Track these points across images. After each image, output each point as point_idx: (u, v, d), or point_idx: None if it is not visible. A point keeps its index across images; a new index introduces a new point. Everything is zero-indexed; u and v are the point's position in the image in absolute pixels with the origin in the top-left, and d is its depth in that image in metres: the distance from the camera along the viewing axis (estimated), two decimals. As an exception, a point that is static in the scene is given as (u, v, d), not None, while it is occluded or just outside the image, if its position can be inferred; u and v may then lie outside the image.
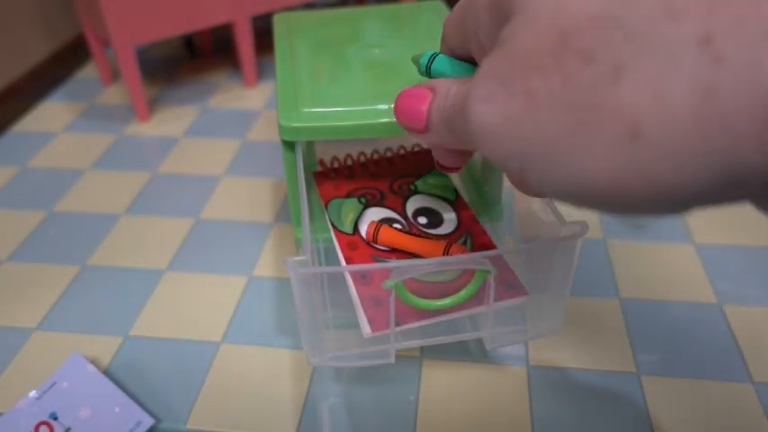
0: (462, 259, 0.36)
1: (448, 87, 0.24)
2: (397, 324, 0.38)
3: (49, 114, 0.83)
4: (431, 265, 0.35)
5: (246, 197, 0.65)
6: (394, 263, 0.35)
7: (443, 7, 0.55)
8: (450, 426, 0.42)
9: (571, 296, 0.52)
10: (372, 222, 0.44)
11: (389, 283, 0.34)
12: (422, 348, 0.48)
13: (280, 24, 0.53)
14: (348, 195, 0.48)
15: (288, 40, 0.50)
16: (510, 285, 0.40)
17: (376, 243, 0.44)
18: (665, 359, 0.47)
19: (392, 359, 0.38)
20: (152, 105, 0.84)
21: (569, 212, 0.62)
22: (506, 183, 0.50)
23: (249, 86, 0.88)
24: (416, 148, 0.56)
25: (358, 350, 0.39)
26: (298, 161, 0.41)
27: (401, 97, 0.27)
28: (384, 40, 0.49)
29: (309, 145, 0.55)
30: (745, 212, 0.61)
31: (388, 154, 0.55)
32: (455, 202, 0.47)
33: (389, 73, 0.45)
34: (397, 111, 0.27)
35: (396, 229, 0.43)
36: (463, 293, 0.37)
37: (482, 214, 0.49)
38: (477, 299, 0.39)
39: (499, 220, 0.49)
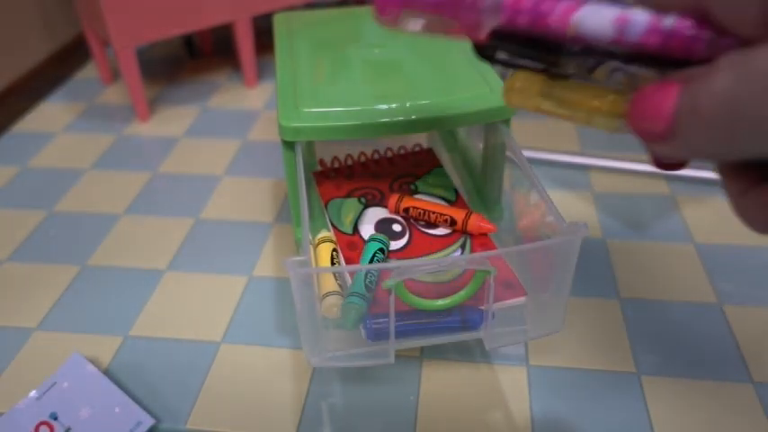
0: (462, 259, 0.37)
1: (718, 71, 0.17)
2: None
3: (49, 114, 0.83)
4: (431, 266, 0.35)
5: (246, 197, 0.65)
6: (394, 263, 0.35)
7: None
8: (450, 426, 0.42)
9: (571, 296, 0.52)
10: (395, 195, 0.45)
11: (389, 282, 0.34)
12: (422, 348, 0.48)
13: (280, 24, 0.53)
14: (348, 195, 0.48)
15: (288, 39, 0.50)
16: (509, 285, 0.40)
17: (399, 212, 0.45)
18: (665, 359, 0.47)
19: (392, 359, 0.38)
20: (152, 105, 0.84)
21: (569, 213, 0.62)
22: (506, 184, 0.50)
23: (249, 86, 0.88)
24: (417, 148, 0.56)
25: (358, 350, 0.39)
26: (298, 161, 0.41)
27: (639, 98, 0.19)
28: (384, 39, 0.49)
29: (309, 145, 0.55)
30: (745, 212, 0.61)
31: (389, 154, 0.55)
32: (455, 202, 0.47)
33: (390, 73, 0.45)
34: (631, 112, 0.20)
35: (416, 199, 0.45)
36: (463, 293, 0.37)
37: (482, 214, 0.49)
38: (476, 299, 0.39)
39: (499, 220, 0.49)
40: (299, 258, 0.33)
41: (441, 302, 0.38)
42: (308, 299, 0.35)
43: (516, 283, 0.41)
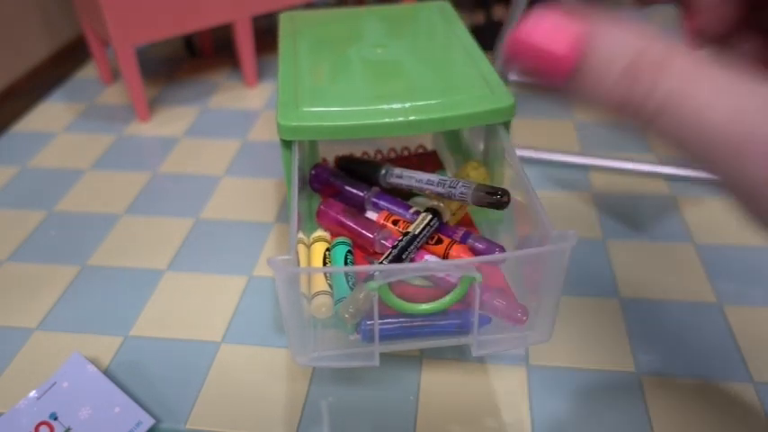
0: (448, 264, 0.36)
1: (638, 44, 0.17)
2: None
3: (49, 114, 0.83)
4: (415, 270, 0.34)
5: (246, 197, 0.65)
6: (379, 265, 0.34)
7: (448, 7, 0.55)
8: (449, 425, 0.42)
9: (571, 296, 0.52)
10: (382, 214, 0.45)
11: (373, 285, 0.34)
12: (422, 349, 0.48)
13: (285, 24, 0.53)
14: None
15: (292, 39, 0.50)
16: (498, 291, 0.40)
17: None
18: (665, 359, 0.47)
19: (376, 362, 0.37)
20: (152, 105, 0.84)
21: (569, 213, 0.62)
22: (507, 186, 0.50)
23: (249, 86, 0.88)
24: (420, 150, 0.56)
25: (343, 351, 0.38)
26: (293, 160, 0.41)
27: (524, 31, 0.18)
28: (387, 39, 0.49)
29: (313, 145, 0.55)
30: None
31: (392, 155, 0.55)
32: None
33: (390, 73, 0.44)
34: (516, 47, 0.18)
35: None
36: (447, 299, 0.37)
37: (481, 215, 0.49)
38: (463, 304, 0.38)
39: (499, 223, 0.49)
40: (283, 257, 0.33)
41: (424, 307, 0.37)
42: (294, 298, 0.35)
43: (506, 289, 0.40)
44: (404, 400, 0.44)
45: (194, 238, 0.60)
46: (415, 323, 0.38)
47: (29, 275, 0.56)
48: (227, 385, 0.46)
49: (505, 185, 0.48)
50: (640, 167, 0.66)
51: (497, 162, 0.47)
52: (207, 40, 0.97)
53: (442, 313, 0.38)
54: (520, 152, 0.69)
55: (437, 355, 0.47)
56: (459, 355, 0.47)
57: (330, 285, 0.40)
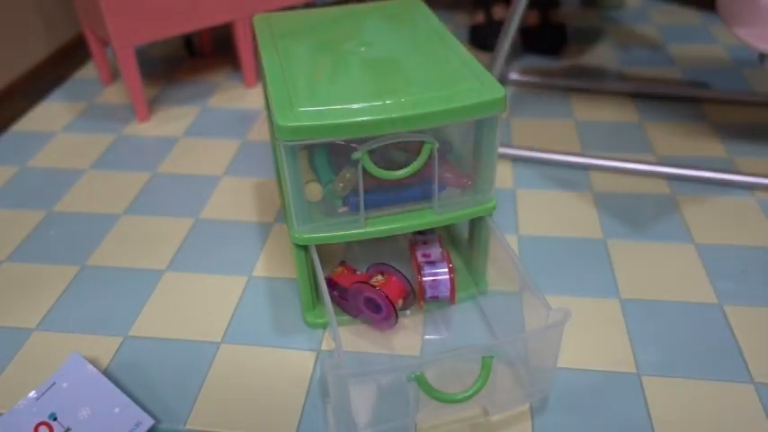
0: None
1: None
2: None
3: (49, 114, 0.83)
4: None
5: (246, 197, 0.65)
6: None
7: (420, 3, 0.55)
8: (449, 424, 0.42)
9: (571, 296, 0.52)
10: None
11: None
12: (422, 349, 0.48)
13: (261, 26, 0.53)
14: None
15: (272, 41, 0.50)
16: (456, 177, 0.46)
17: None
18: (665, 359, 0.47)
19: (363, 225, 0.44)
20: (152, 105, 0.84)
21: (569, 213, 0.61)
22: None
23: (249, 86, 0.88)
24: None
25: (336, 219, 0.45)
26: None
27: None
28: (369, 38, 0.49)
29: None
30: (745, 212, 0.61)
31: None
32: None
33: (381, 70, 0.45)
34: None
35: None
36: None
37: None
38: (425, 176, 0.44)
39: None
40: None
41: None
42: (298, 180, 0.42)
43: (454, 168, 0.47)
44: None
45: (194, 238, 0.60)
46: (390, 194, 0.45)
47: (29, 275, 0.56)
48: (226, 385, 0.46)
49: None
50: (640, 167, 0.66)
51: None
52: (206, 40, 0.97)
53: (410, 184, 0.45)
54: (520, 152, 0.69)
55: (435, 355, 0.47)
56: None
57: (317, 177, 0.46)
